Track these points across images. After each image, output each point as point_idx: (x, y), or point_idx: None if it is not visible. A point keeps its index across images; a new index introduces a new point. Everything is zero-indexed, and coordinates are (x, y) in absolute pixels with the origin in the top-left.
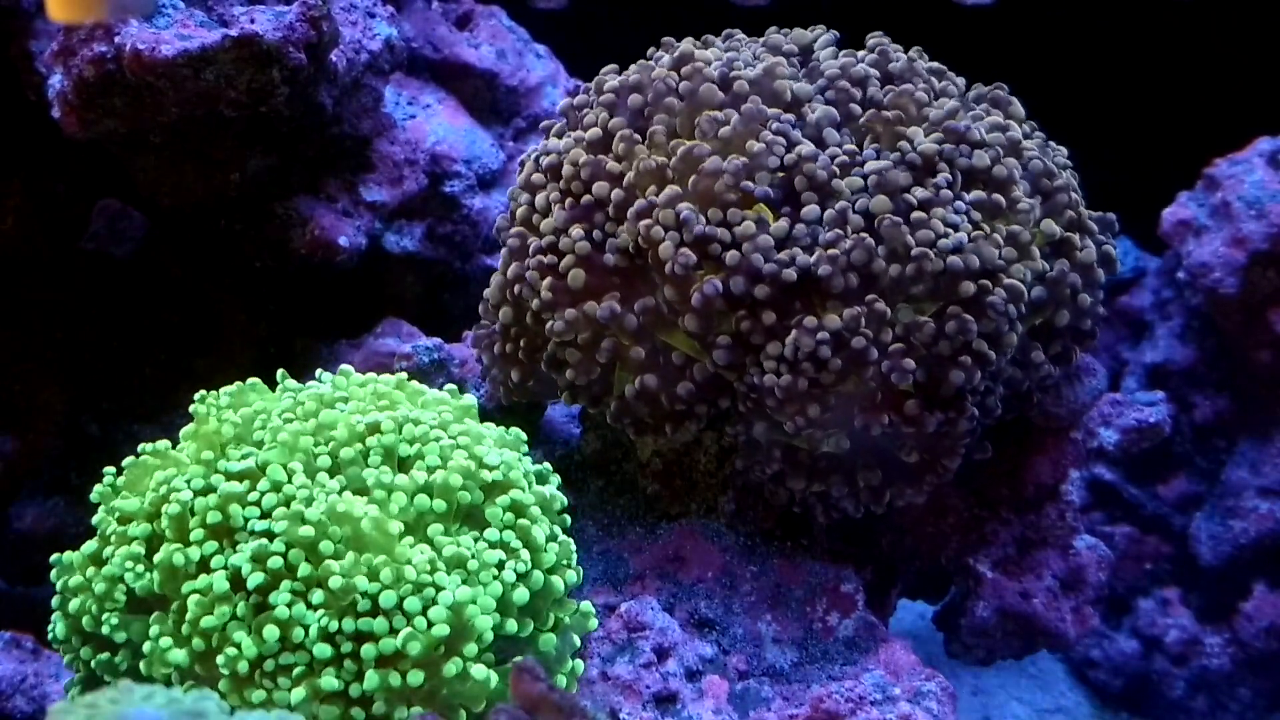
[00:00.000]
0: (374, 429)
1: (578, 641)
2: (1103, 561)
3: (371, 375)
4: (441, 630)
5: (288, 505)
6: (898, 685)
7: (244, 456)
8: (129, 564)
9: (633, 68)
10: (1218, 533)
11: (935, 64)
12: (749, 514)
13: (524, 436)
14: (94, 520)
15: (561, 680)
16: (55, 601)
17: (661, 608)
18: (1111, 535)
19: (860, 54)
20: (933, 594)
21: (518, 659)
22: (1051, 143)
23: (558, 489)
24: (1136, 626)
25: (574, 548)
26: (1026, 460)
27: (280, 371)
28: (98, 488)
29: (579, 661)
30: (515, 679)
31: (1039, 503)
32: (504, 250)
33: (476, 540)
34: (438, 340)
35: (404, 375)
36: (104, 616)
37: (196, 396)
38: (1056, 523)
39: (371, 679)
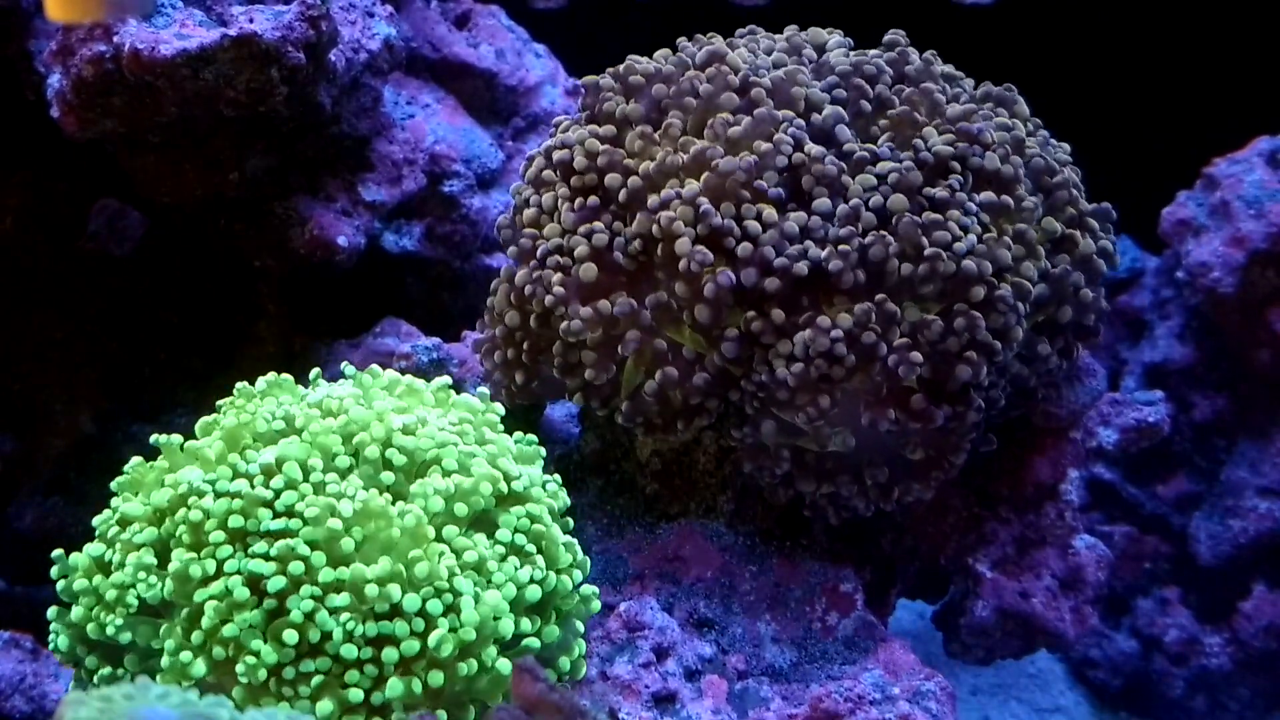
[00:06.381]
0: (407, 431)
1: (581, 627)
2: (1102, 561)
3: (396, 376)
4: (469, 634)
5: (309, 506)
6: (897, 685)
7: (264, 457)
8: (141, 574)
9: (663, 56)
10: (1217, 532)
11: (947, 67)
12: (748, 514)
13: (542, 452)
14: (95, 521)
15: (565, 663)
16: (52, 613)
17: (661, 607)
18: (1111, 535)
19: (873, 52)
20: (932, 594)
21: (518, 659)
22: (1053, 140)
23: (560, 490)
24: (1136, 626)
25: (588, 562)
26: (1026, 460)
27: (315, 371)
28: (118, 480)
29: (581, 641)
30: (515, 679)
31: (1038, 502)
32: (509, 251)
33: (492, 545)
34: (437, 340)
35: (446, 380)
36: (110, 620)
37: (223, 401)
38: (1056, 522)
39: (395, 686)
